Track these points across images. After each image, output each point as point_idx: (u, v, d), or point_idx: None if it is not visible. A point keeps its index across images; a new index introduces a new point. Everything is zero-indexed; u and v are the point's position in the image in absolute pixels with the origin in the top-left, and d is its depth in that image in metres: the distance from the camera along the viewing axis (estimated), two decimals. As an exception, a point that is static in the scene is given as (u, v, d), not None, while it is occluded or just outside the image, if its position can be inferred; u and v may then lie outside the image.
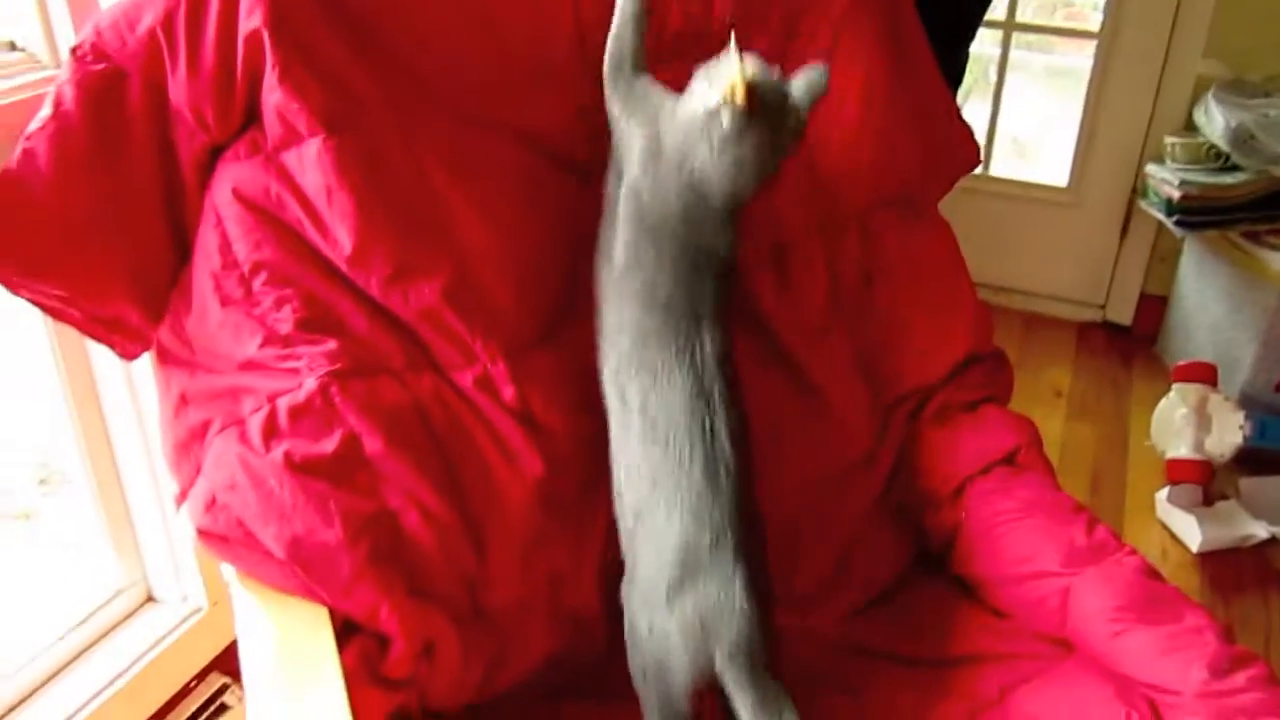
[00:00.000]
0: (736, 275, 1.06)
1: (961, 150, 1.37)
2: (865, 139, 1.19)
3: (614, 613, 1.03)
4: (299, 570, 0.90)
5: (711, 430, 0.95)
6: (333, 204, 0.98)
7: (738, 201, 0.98)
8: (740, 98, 0.91)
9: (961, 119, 1.38)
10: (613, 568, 1.05)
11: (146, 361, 1.08)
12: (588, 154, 1.14)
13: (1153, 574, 1.03)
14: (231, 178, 1.00)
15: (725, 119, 0.92)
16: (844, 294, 1.20)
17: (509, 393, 1.02)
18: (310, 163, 0.98)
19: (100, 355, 1.27)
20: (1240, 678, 0.91)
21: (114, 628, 1.39)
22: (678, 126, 0.96)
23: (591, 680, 1.07)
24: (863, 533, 1.17)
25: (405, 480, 0.96)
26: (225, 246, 0.99)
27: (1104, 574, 1.02)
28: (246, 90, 0.99)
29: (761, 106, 0.93)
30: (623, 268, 1.00)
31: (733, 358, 1.00)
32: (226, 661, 1.47)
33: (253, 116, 1.00)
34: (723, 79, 0.93)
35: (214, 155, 1.01)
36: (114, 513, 1.38)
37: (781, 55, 1.18)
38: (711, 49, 1.06)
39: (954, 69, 1.50)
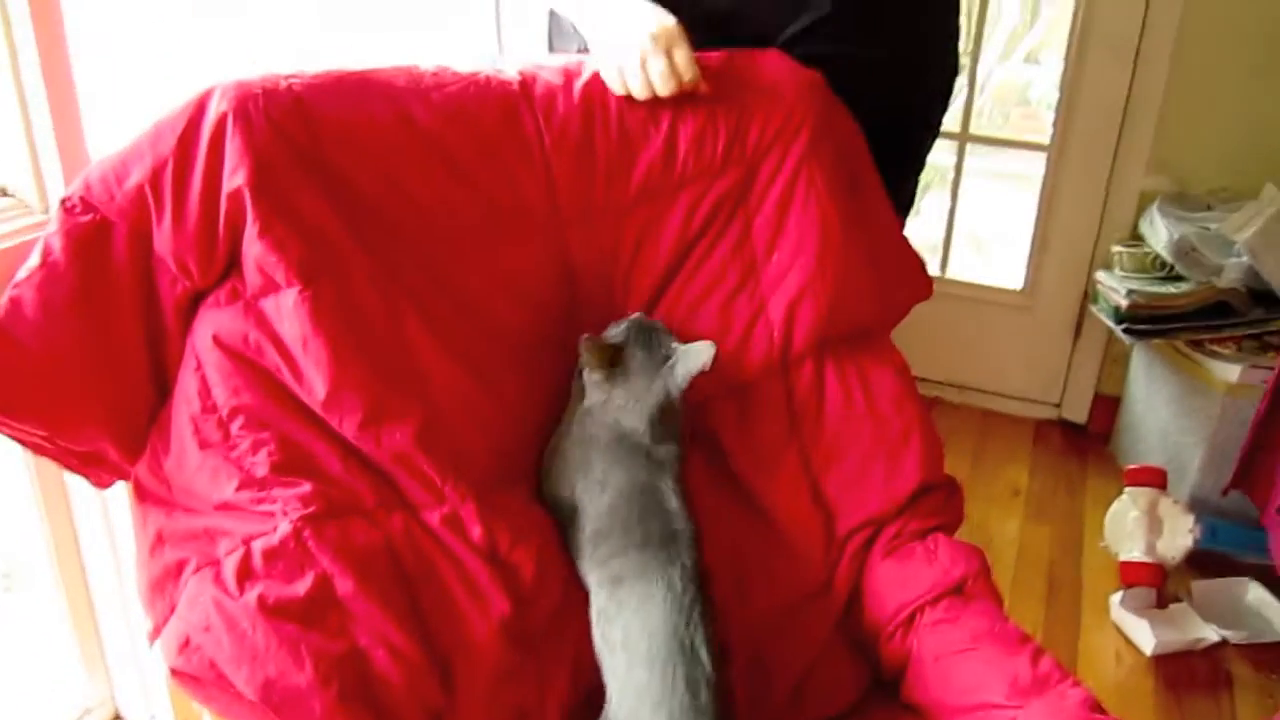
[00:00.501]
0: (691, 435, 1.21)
1: (914, 282, 1.43)
2: (823, 280, 1.25)
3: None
4: (271, 713, 0.92)
5: (692, 648, 1.03)
6: (308, 351, 1.03)
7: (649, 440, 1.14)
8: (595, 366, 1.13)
9: (913, 251, 1.44)
10: (579, 701, 1.09)
11: (119, 484, 1.11)
12: (564, 298, 1.20)
13: (1095, 707, 1.06)
14: (212, 324, 1.04)
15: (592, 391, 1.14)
16: (800, 428, 1.25)
17: (476, 532, 1.06)
18: (288, 311, 1.03)
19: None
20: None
21: (80, 749, 1.40)
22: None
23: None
24: (819, 661, 1.20)
25: (374, 620, 0.99)
26: (204, 391, 1.03)
27: (1048, 707, 1.05)
28: (228, 242, 1.04)
29: (622, 368, 1.12)
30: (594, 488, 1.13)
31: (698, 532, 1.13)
32: (193, 781, 1.48)
33: (233, 265, 1.05)
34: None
35: (195, 301, 1.06)
36: (83, 629, 1.39)
37: (740, 201, 1.25)
38: (669, 198, 1.15)
39: (903, 198, 1.57)
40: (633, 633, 1.05)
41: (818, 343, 1.26)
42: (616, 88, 1.21)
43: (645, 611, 1.05)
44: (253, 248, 1.02)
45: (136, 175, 1.01)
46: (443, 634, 1.03)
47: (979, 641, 1.13)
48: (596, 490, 1.13)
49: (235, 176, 1.01)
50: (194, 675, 0.95)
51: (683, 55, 1.19)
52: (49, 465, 1.27)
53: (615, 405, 1.13)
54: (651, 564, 1.07)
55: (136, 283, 1.03)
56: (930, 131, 1.69)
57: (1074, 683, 1.09)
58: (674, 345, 1.15)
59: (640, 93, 1.20)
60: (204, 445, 1.03)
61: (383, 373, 1.05)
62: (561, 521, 1.16)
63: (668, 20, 1.19)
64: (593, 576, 1.12)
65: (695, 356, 1.13)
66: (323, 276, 1.04)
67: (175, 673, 0.96)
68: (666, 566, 1.07)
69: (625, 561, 1.09)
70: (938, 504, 1.27)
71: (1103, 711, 1.07)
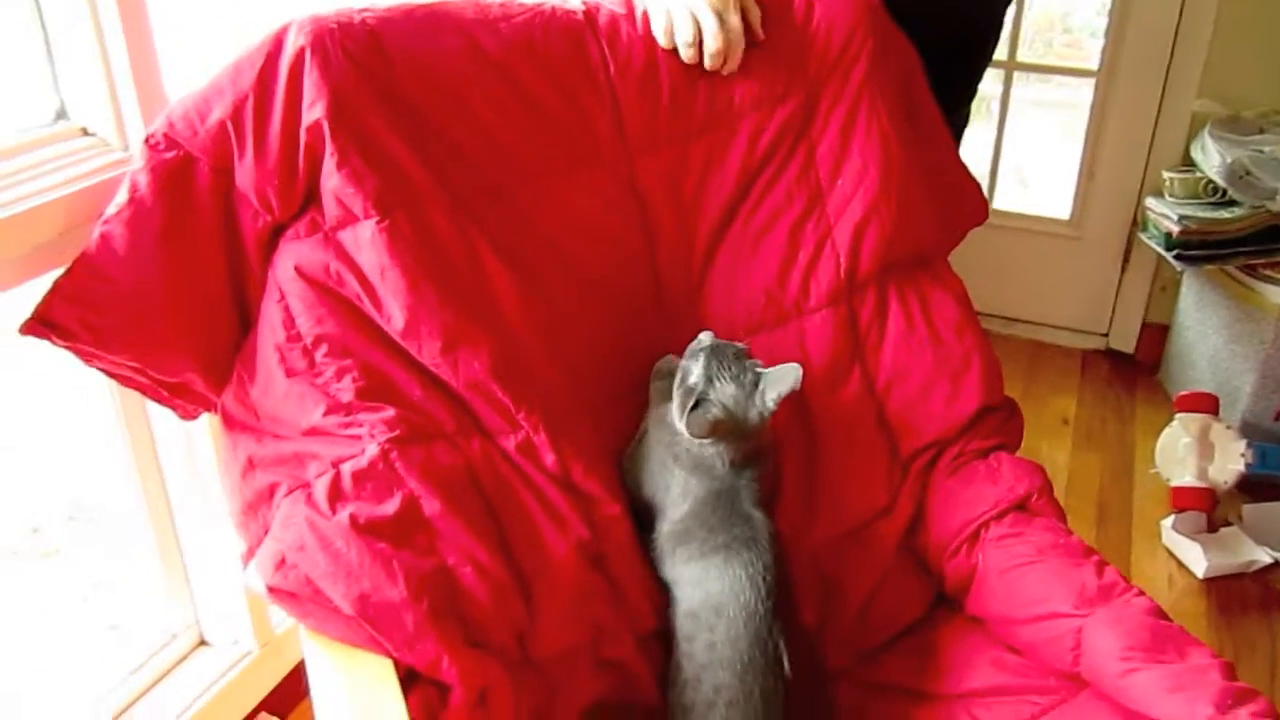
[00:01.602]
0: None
1: (971, 205, 1.44)
2: (887, 204, 1.26)
3: (655, 667, 1.12)
4: (366, 626, 0.96)
5: (775, 656, 1.05)
6: (386, 281, 1.06)
7: (729, 465, 1.13)
8: (701, 432, 1.09)
9: (970, 175, 1.45)
10: (657, 627, 1.13)
11: (203, 416, 1.14)
12: (634, 230, 1.21)
13: (1160, 614, 1.09)
14: (293, 255, 1.07)
15: (686, 441, 1.12)
16: (864, 352, 1.27)
17: (550, 459, 1.09)
18: (365, 242, 1.06)
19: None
20: (1243, 713, 0.97)
21: (170, 671, 1.46)
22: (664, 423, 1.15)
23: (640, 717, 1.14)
24: (885, 579, 1.23)
25: (460, 539, 1.02)
26: (289, 321, 1.06)
27: (1114, 615, 1.08)
28: (308, 175, 1.06)
29: (720, 428, 1.09)
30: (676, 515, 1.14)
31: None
32: (274, 701, 1.54)
33: (312, 198, 1.08)
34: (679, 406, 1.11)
35: (276, 234, 1.09)
36: (169, 559, 1.45)
37: (803, 127, 1.26)
38: (731, 126, 1.15)
39: (958, 125, 1.57)
40: (718, 636, 1.06)
41: (882, 268, 1.27)
42: (662, 38, 1.21)
43: (729, 616, 1.06)
44: (330, 180, 1.05)
45: (218, 111, 1.03)
46: (524, 554, 1.06)
47: (1044, 554, 1.15)
48: (678, 499, 1.13)
49: (314, 109, 1.03)
50: (291, 592, 0.99)
51: (735, 20, 1.19)
52: (133, 401, 1.33)
53: (711, 450, 1.12)
54: (734, 565, 1.08)
55: (220, 217, 1.06)
56: (985, 59, 1.69)
57: (1138, 592, 1.11)
58: (758, 368, 1.12)
59: (686, 51, 1.20)
60: (290, 373, 1.06)
61: (458, 302, 1.08)
62: (641, 517, 1.17)
63: None
64: (673, 575, 1.13)
65: (784, 380, 1.10)
66: (398, 208, 1.07)
67: (273, 590, 1.00)
68: (750, 567, 1.07)
69: (707, 564, 1.09)
70: (999, 424, 1.29)
71: (1167, 618, 1.09)
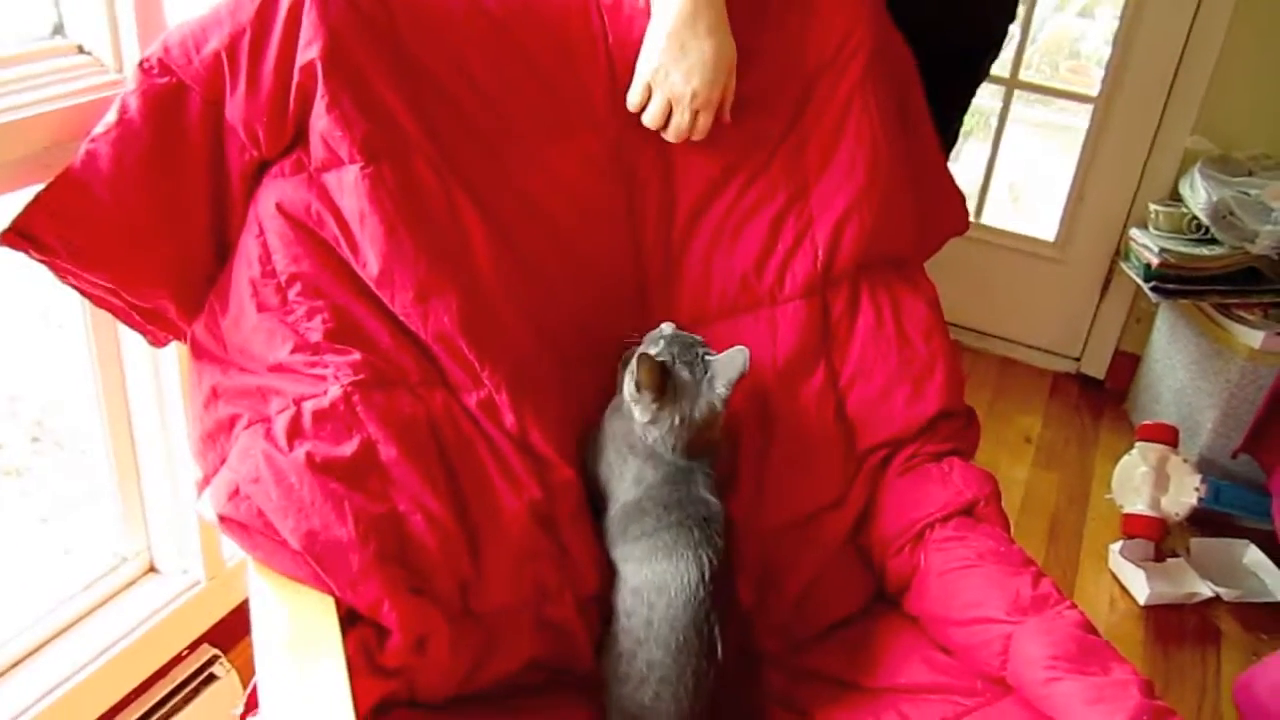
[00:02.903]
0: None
1: (953, 215, 1.46)
2: (870, 203, 1.28)
3: (593, 633, 1.14)
4: (312, 562, 0.97)
5: (710, 641, 1.06)
6: (365, 227, 1.07)
7: (683, 455, 1.14)
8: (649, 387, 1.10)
9: (955, 186, 1.47)
10: (599, 593, 1.15)
11: (171, 345, 1.15)
12: (618, 203, 1.23)
13: (1089, 629, 1.11)
14: (276, 192, 1.08)
15: (637, 410, 1.12)
16: (831, 346, 1.29)
17: (509, 420, 1.11)
18: (348, 187, 1.07)
19: (129, 332, 1.35)
20: (1157, 730, 1.00)
21: (117, 594, 1.47)
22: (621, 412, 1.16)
23: (573, 681, 1.15)
24: (826, 570, 1.24)
25: (413, 487, 1.03)
26: (265, 256, 1.07)
27: (1044, 625, 1.10)
28: (298, 114, 1.07)
29: (672, 391, 1.11)
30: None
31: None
32: (218, 634, 1.55)
33: (300, 137, 1.09)
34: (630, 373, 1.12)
35: (261, 170, 1.09)
36: (126, 485, 1.45)
37: (795, 118, 1.28)
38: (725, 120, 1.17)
39: (948, 138, 1.59)
40: (657, 614, 1.07)
41: (858, 265, 1.29)
42: (632, 106, 1.21)
43: (670, 595, 1.07)
44: (320, 121, 1.06)
45: (214, 42, 1.04)
46: (476, 508, 1.08)
47: (984, 560, 1.18)
48: (631, 485, 1.14)
49: (310, 49, 1.04)
50: (241, 523, 1.00)
51: (705, 121, 1.21)
52: (105, 324, 1.33)
53: (656, 433, 1.13)
54: (682, 545, 1.08)
55: (206, 147, 1.07)
56: (982, 74, 1.71)
57: (1070, 604, 1.13)
58: (709, 356, 1.13)
59: (652, 120, 1.21)
60: (262, 308, 1.07)
61: (434, 255, 1.09)
62: (595, 501, 1.18)
63: (716, 81, 1.18)
64: (623, 553, 1.14)
65: (732, 364, 1.11)
66: (384, 156, 1.07)
67: (224, 519, 1.01)
68: (699, 548, 1.08)
69: (656, 541, 1.10)
70: (956, 430, 1.31)
71: (1096, 634, 1.12)
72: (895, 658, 1.20)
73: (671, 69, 1.17)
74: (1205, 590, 2.13)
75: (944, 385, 1.30)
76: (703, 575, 1.07)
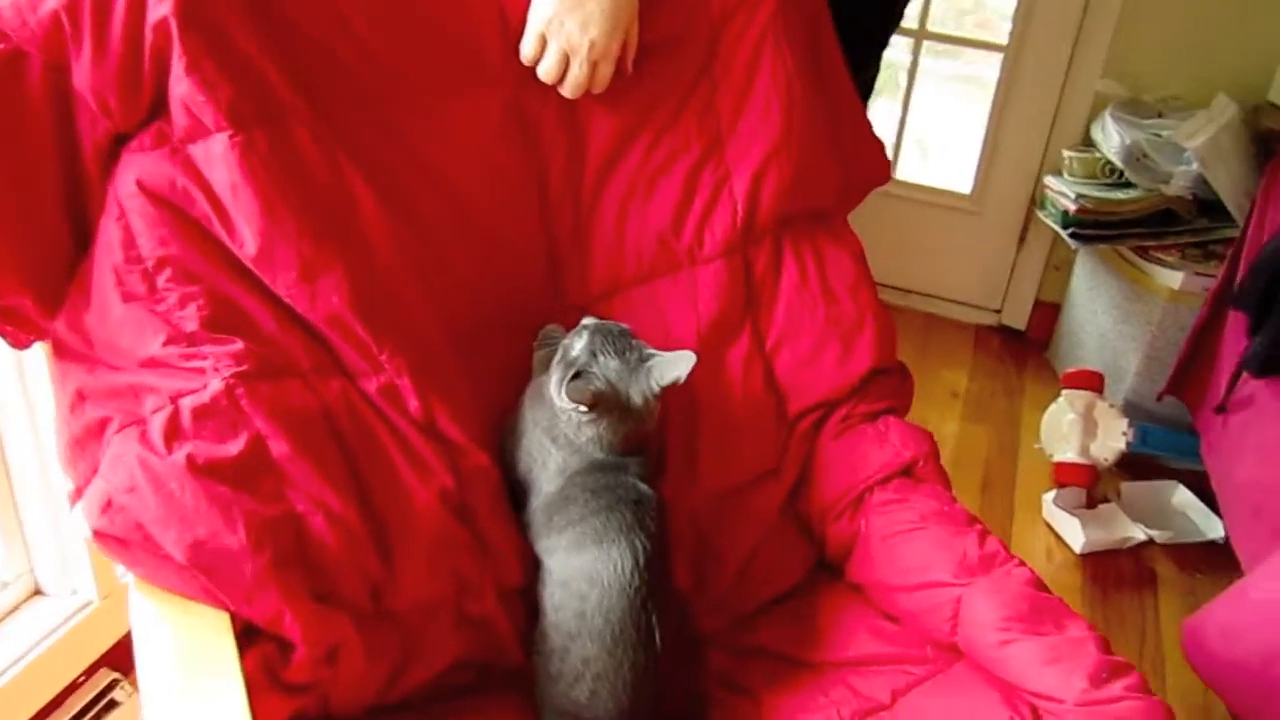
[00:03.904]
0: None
1: (873, 164, 1.40)
2: (788, 151, 1.21)
3: (519, 626, 1.06)
4: (200, 575, 0.88)
5: (648, 630, 1.00)
6: (238, 201, 0.97)
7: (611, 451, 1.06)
8: (581, 398, 1.02)
9: (874, 134, 1.41)
10: (524, 584, 1.07)
11: (37, 348, 1.04)
12: (519, 161, 1.14)
13: (1040, 586, 1.07)
14: (136, 169, 0.97)
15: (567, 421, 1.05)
16: (756, 307, 1.22)
17: (414, 405, 1.02)
18: (217, 158, 0.96)
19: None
20: (1117, 687, 0.96)
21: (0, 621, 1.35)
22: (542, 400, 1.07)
23: (504, 677, 1.08)
24: (765, 542, 1.19)
25: (311, 485, 0.94)
26: (128, 241, 0.97)
27: (994, 585, 1.06)
28: (154, 78, 0.96)
29: (601, 402, 1.03)
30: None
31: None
32: (116, 657, 1.44)
33: (161, 106, 0.98)
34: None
35: (117, 144, 0.98)
36: (0, 502, 1.33)
37: (704, 67, 1.20)
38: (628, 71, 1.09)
39: (862, 87, 1.53)
40: (589, 605, 1.00)
41: (780, 218, 1.23)
42: (525, 59, 1.12)
43: (603, 585, 1.00)
44: (179, 86, 0.95)
45: (52, 0, 0.93)
46: (382, 502, 0.99)
47: (927, 521, 1.13)
48: (555, 475, 1.07)
49: (161, 5, 0.93)
50: (118, 537, 0.90)
51: (605, 74, 1.13)
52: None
53: (589, 434, 1.05)
54: (613, 531, 1.01)
55: (53, 121, 0.95)
56: (894, 20, 1.66)
57: (1019, 563, 1.09)
58: (646, 349, 1.06)
59: (548, 74, 1.12)
60: (128, 298, 0.96)
61: (318, 228, 0.99)
62: (515, 492, 1.10)
63: (616, 30, 1.10)
64: (547, 545, 1.06)
65: (675, 366, 1.04)
66: (255, 122, 0.97)
67: (98, 534, 0.92)
68: (630, 533, 1.01)
69: (584, 529, 1.02)
70: (890, 388, 1.26)
71: (1046, 590, 1.07)
72: (841, 630, 1.15)
73: (566, 18, 1.09)
74: (1139, 534, 2.13)
75: (875, 341, 1.24)
76: (636, 562, 1.00)
